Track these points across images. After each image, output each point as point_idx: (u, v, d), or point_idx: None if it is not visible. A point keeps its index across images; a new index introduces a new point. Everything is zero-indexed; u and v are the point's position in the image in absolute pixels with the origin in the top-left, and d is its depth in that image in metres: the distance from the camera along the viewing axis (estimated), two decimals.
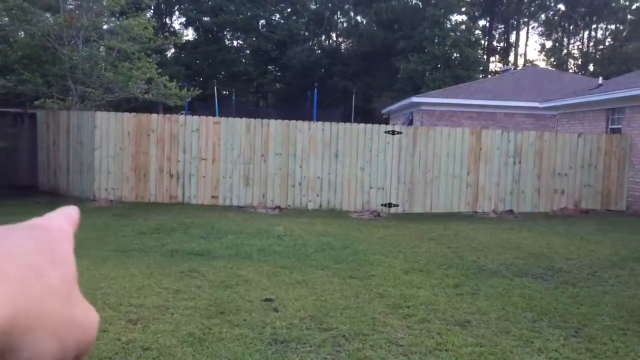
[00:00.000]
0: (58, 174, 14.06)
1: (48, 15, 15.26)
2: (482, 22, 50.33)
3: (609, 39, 50.26)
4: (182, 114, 22.54)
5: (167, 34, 19.52)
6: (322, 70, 44.02)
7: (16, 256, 0.38)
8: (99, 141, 12.95)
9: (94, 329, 0.42)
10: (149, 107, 24.15)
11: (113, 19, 16.20)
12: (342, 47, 49.20)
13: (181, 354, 4.43)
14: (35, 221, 0.45)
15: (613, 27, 49.79)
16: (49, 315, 0.37)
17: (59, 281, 0.39)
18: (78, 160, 13.45)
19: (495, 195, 13.44)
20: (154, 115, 13.28)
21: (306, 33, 46.90)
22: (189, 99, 18.73)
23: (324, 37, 49.96)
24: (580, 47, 52.90)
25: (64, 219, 0.47)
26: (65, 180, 13.85)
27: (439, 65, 37.89)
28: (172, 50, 42.59)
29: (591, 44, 51.97)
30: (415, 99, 22.18)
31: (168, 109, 23.97)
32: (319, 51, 46.13)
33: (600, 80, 18.87)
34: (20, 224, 0.43)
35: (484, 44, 50.12)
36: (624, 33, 47.89)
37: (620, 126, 14.68)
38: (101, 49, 16.39)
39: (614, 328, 5.37)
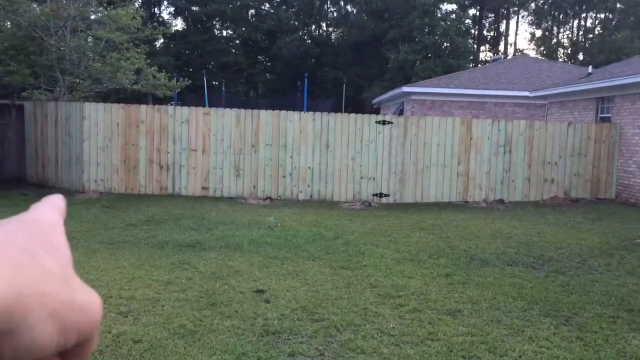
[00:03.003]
0: (46, 165, 13.95)
1: (35, 5, 15.07)
2: (472, 11, 50.18)
3: (598, 28, 50.38)
4: (171, 104, 22.41)
5: (155, 24, 19.36)
6: (313, 60, 43.85)
7: (10, 244, 0.38)
8: (88, 132, 12.84)
9: (96, 312, 0.41)
10: (138, 98, 23.97)
11: (101, 8, 16.00)
12: (332, 37, 48.98)
13: (172, 346, 4.41)
14: (24, 215, 0.45)
15: (602, 16, 49.90)
16: (48, 297, 0.37)
17: (55, 265, 0.39)
18: (66, 151, 13.34)
19: (486, 185, 13.47)
20: (143, 106, 13.18)
21: (296, 23, 46.64)
22: (179, 89, 18.60)
23: (314, 27, 49.68)
24: (570, 36, 53.01)
25: (51, 210, 0.47)
26: (54, 172, 13.74)
27: (429, 55, 37.82)
28: (161, 41, 42.19)
29: (581, 32, 52.07)
30: (405, 89, 22.14)
31: (157, 100, 23.81)
32: (309, 41, 45.92)
33: (590, 69, 18.92)
34: (10, 218, 0.43)
35: (474, 33, 50.10)
36: (613, 22, 48.01)
37: (609, 115, 14.74)
38: (89, 39, 16.21)
39: (604, 316, 5.41)
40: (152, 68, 16.23)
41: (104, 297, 5.49)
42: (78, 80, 15.57)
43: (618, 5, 47.29)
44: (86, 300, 0.40)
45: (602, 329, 5.07)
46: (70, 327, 0.38)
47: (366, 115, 13.35)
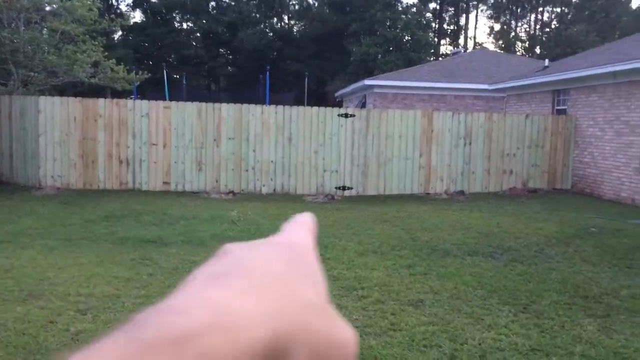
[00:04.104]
0: (0, 161, 13.54)
1: None
2: (432, 5, 50.72)
3: (554, 22, 51.51)
4: (131, 98, 22.01)
5: (113, 16, 18.95)
6: (275, 53, 43.63)
7: (269, 272, 0.36)
8: (44, 127, 12.51)
9: (352, 350, 0.37)
10: (96, 92, 23.49)
11: None
12: (294, 30, 48.83)
13: None
14: (278, 236, 0.43)
15: (558, 10, 51.03)
16: (309, 333, 0.34)
17: (314, 296, 0.37)
18: (22, 147, 12.97)
19: (447, 177, 13.66)
20: (101, 100, 12.91)
21: (257, 15, 46.31)
22: (138, 83, 18.30)
23: (275, 19, 49.44)
24: (527, 29, 54.06)
25: (304, 231, 0.45)
26: (9, 167, 13.35)
27: (390, 48, 38.05)
28: (120, 33, 41.38)
29: (537, 26, 53.15)
30: (368, 82, 22.25)
31: (116, 94, 23.36)
32: (271, 34, 45.65)
33: (547, 62, 19.33)
34: (263, 240, 0.42)
35: (435, 26, 50.59)
36: (569, 16, 49.16)
37: (565, 107, 15.10)
38: (44, 32, 15.78)
39: (560, 303, 5.55)
40: (110, 61, 15.92)
41: (61, 294, 5.38)
42: (33, 74, 15.15)
43: (573, 0, 48.41)
44: (344, 337, 0.37)
45: (558, 315, 5.21)
46: None
47: (329, 109, 13.37)
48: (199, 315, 0.31)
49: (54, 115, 12.50)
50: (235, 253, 0.39)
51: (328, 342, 0.35)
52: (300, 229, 0.45)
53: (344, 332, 0.37)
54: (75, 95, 15.13)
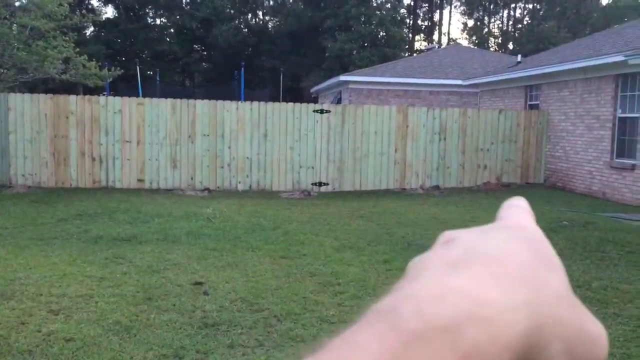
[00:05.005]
0: None
1: None
2: (407, 1, 50.88)
3: (527, 18, 52.12)
4: (103, 95, 21.70)
5: (84, 11, 18.65)
6: (250, 49, 43.38)
7: (512, 260, 0.34)
8: (14, 124, 12.27)
9: (605, 347, 0.35)
10: (67, 88, 23.09)
11: None
12: (269, 26, 48.60)
13: (107, 343, 4.29)
14: (503, 221, 0.41)
15: (530, 6, 51.65)
16: (563, 327, 0.32)
17: (561, 285, 0.35)
18: None
19: (422, 172, 13.74)
20: (73, 97, 12.70)
21: (232, 11, 45.95)
22: (111, 79, 18.04)
23: (250, 15, 49.13)
24: (500, 25, 54.64)
25: (525, 215, 0.42)
26: None
27: (365, 44, 38.13)
28: (91, 29, 40.77)
29: (510, 22, 53.74)
30: (343, 78, 22.27)
31: (88, 90, 22.99)
32: (246, 30, 45.37)
33: (519, 58, 19.52)
34: (488, 225, 0.39)
35: (409, 22, 50.81)
36: (541, 12, 49.78)
37: (538, 102, 15.29)
38: (13, 27, 15.45)
39: None
40: (82, 57, 15.66)
41: (33, 295, 5.28)
42: (2, 70, 14.83)
43: None
44: (597, 332, 0.34)
45: None
46: None
47: (304, 105, 13.35)
48: (458, 304, 0.29)
49: (25, 113, 12.27)
50: (465, 239, 0.36)
51: (582, 337, 0.33)
52: (520, 213, 0.42)
53: (597, 327, 0.35)
54: (46, 92, 14.85)
